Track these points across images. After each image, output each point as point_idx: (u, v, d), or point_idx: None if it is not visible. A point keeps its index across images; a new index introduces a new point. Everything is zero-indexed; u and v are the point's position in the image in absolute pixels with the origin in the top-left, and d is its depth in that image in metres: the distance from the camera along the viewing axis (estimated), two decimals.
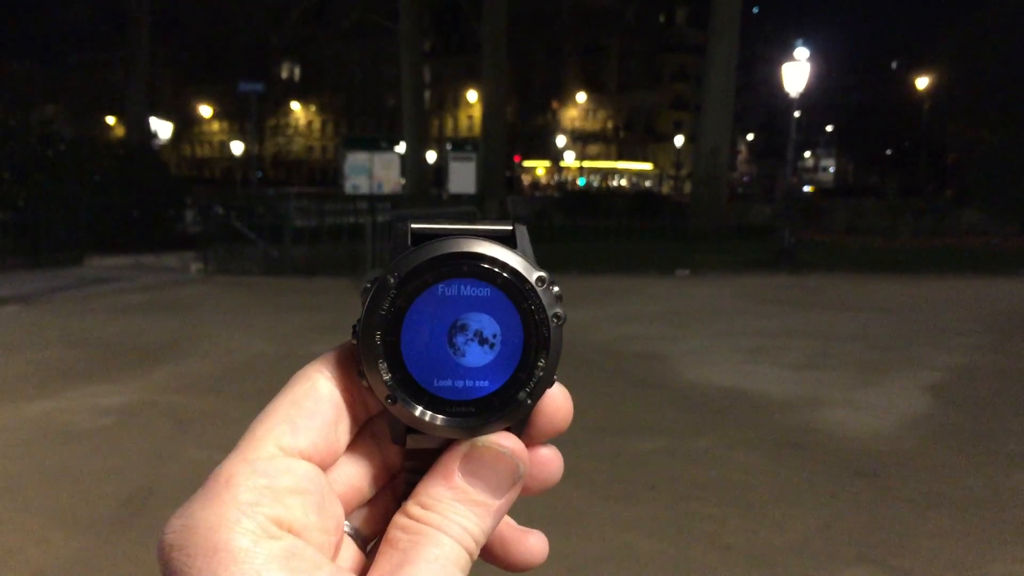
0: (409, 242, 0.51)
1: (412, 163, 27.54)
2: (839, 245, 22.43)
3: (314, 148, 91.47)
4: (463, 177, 25.83)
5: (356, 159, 26.58)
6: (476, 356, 0.50)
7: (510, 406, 0.50)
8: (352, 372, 0.51)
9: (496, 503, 0.49)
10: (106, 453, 5.71)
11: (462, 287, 0.50)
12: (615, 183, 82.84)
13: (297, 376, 0.51)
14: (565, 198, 41.26)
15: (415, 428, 0.50)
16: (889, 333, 10.38)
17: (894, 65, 74.45)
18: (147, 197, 19.78)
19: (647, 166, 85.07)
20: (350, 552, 0.52)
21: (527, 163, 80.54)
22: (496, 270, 0.50)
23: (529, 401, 0.50)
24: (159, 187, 20.83)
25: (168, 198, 21.28)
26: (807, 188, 66.18)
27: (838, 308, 11.99)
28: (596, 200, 35.36)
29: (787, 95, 20.52)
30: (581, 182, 76.85)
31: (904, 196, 34.86)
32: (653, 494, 4.95)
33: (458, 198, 24.65)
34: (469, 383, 0.50)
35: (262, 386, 7.56)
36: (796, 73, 20.28)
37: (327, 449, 0.49)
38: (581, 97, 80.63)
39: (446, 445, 0.51)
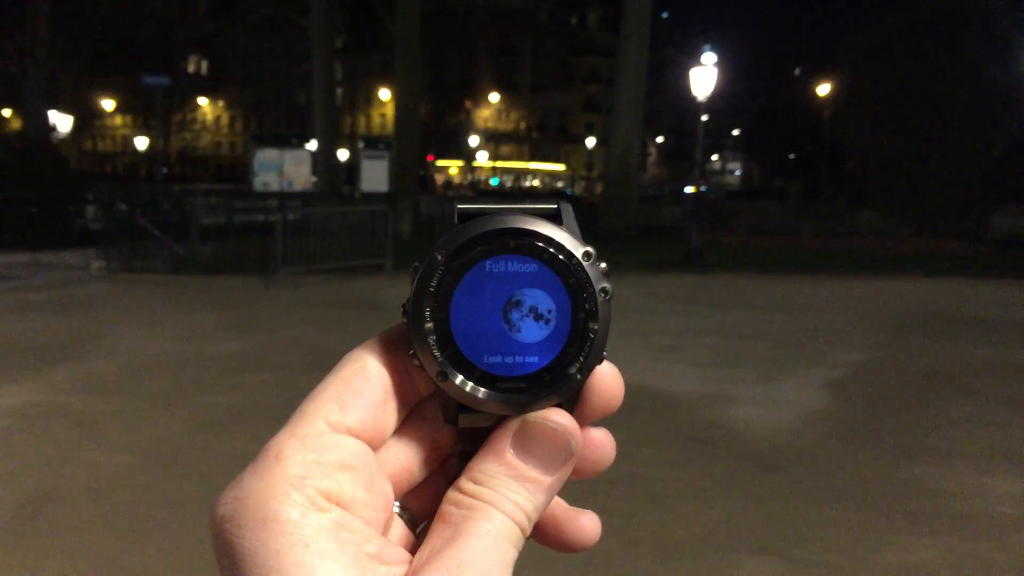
0: (456, 221, 0.51)
1: (324, 161, 27.17)
2: (745, 246, 23.01)
3: (222, 144, 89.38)
4: (376, 175, 25.64)
5: (266, 156, 26.13)
6: (532, 332, 0.50)
7: (561, 381, 0.50)
8: (401, 353, 0.51)
9: (548, 479, 0.49)
10: (1, 456, 5.50)
11: (509, 263, 0.50)
12: (528, 183, 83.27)
13: (347, 357, 0.51)
14: (478, 198, 41.36)
15: (466, 405, 0.50)
16: (791, 332, 10.71)
17: (797, 71, 76.58)
18: (46, 192, 19.06)
19: (559, 167, 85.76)
20: (400, 532, 0.52)
21: (440, 162, 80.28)
22: (542, 245, 0.50)
23: (579, 376, 0.50)
24: (59, 182, 20.10)
25: (68, 193, 20.53)
26: (688, 189, 67.67)
27: (744, 308, 12.31)
28: (508, 200, 35.54)
29: (695, 99, 20.95)
30: (494, 182, 77.04)
31: (806, 199, 35.97)
32: (563, 490, 5.00)
33: (371, 197, 24.42)
34: (519, 359, 0.50)
35: (167, 386, 7.38)
36: (703, 78, 20.72)
37: (375, 428, 0.50)
38: (494, 97, 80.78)
39: (497, 425, 0.51)
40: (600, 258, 0.51)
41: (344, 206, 19.30)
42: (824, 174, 51.82)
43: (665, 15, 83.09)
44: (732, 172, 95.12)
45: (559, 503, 0.53)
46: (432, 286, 0.50)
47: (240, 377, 7.77)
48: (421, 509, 0.54)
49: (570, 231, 0.51)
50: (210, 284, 13.80)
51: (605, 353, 0.51)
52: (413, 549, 0.49)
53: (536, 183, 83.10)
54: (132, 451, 5.69)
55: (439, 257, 0.50)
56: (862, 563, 4.24)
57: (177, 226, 16.04)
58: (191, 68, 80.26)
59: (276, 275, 13.87)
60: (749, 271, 17.19)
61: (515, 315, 0.50)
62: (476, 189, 62.93)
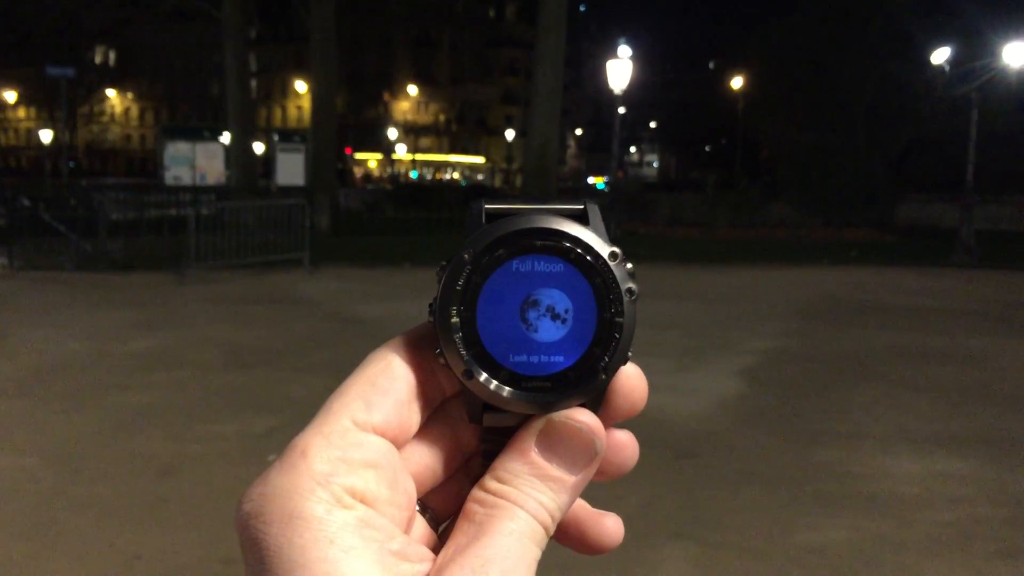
0: (483, 221, 0.51)
1: (238, 154, 26.62)
2: (662, 237, 23.38)
3: (132, 137, 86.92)
4: (292, 169, 25.20)
5: (177, 149, 25.47)
6: (548, 331, 0.50)
7: (586, 381, 0.50)
8: (426, 352, 0.51)
9: (572, 479, 0.49)
10: None
11: (535, 263, 0.50)
12: (448, 176, 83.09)
13: (372, 355, 0.51)
14: (398, 191, 41.07)
15: (491, 404, 0.50)
16: (706, 320, 10.93)
17: (712, 65, 78.05)
18: None
19: (479, 159, 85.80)
20: (422, 530, 0.52)
21: (359, 155, 79.57)
22: (569, 245, 0.50)
23: (604, 376, 0.50)
24: None
25: None
26: (591, 180, 68.43)
27: (660, 297, 12.50)
28: (429, 193, 35.38)
29: (612, 92, 21.16)
30: (413, 175, 76.62)
31: (721, 190, 36.72)
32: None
33: (287, 191, 24.05)
34: (544, 358, 0.50)
35: (76, 386, 7.15)
36: (619, 70, 20.96)
37: (400, 426, 0.50)
38: (413, 90, 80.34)
39: (522, 424, 0.51)
40: (626, 258, 0.51)
41: (260, 200, 18.96)
42: (738, 166, 52.96)
43: (583, 8, 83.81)
44: (650, 164, 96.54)
45: (582, 505, 0.54)
46: (459, 285, 0.50)
47: (152, 376, 7.57)
48: (443, 508, 0.54)
49: (596, 231, 0.51)
50: (120, 281, 13.41)
51: (630, 354, 0.51)
52: (435, 548, 0.49)
53: (456, 176, 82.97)
54: (38, 454, 5.50)
55: (466, 256, 0.50)
56: (774, 544, 4.35)
57: (84, 222, 15.57)
58: (98, 59, 77.74)
59: (189, 271, 13.56)
60: (666, 261, 17.46)
61: (532, 314, 0.50)
62: (395, 182, 62.44)
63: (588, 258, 0.50)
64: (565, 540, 0.53)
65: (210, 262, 13.94)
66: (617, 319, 0.50)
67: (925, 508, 4.88)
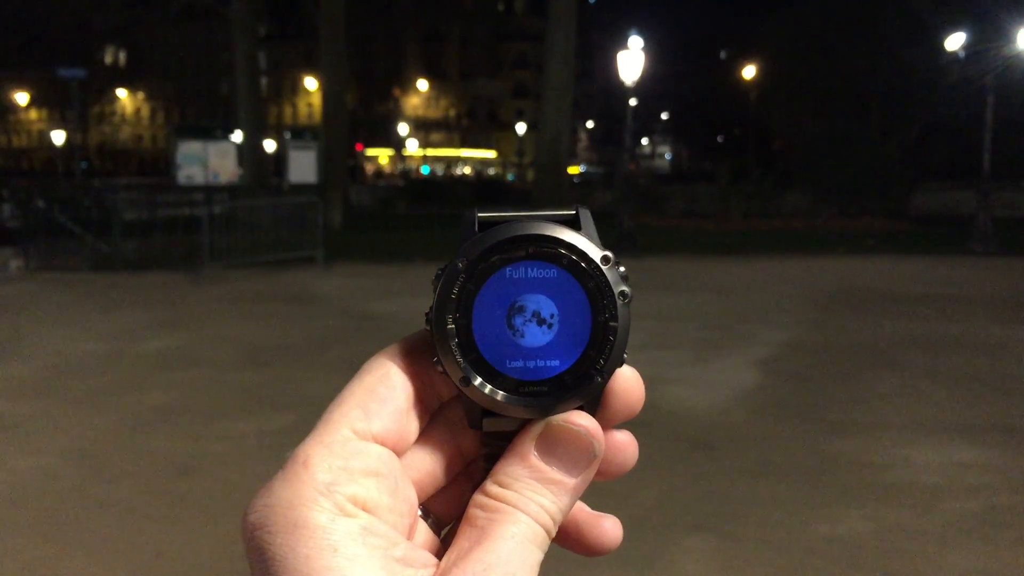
0: (476, 229, 0.52)
1: (250, 152, 26.70)
2: (675, 229, 23.31)
3: (143, 137, 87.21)
4: (304, 166, 25.24)
5: (189, 148, 25.55)
6: (535, 336, 0.51)
7: (582, 384, 0.51)
8: (422, 359, 0.52)
9: (572, 481, 0.50)
10: None
11: (528, 269, 0.51)
12: (459, 171, 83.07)
13: (369, 364, 0.52)
14: (409, 186, 41.12)
15: (489, 409, 0.51)
16: (722, 312, 10.89)
17: (723, 55, 77.68)
18: None
19: (491, 153, 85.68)
20: (425, 536, 0.53)
21: (370, 152, 79.57)
22: (561, 251, 0.51)
23: (600, 379, 0.51)
24: None
25: None
26: (580, 168, 68.28)
27: (675, 289, 12.47)
28: (441, 188, 35.41)
29: (623, 83, 21.09)
30: (425, 170, 76.63)
31: (735, 181, 36.59)
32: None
33: (299, 188, 24.11)
34: (540, 363, 0.51)
35: (94, 386, 7.19)
36: (631, 62, 20.85)
37: (399, 434, 0.50)
38: (423, 85, 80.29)
39: (521, 428, 0.51)
40: (619, 262, 0.52)
41: (272, 198, 19.00)
42: (751, 156, 52.73)
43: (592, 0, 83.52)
44: (662, 156, 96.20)
45: (581, 507, 0.54)
46: (454, 293, 0.51)
47: (169, 375, 7.60)
48: (446, 513, 0.55)
49: (588, 236, 0.52)
50: (135, 281, 13.47)
51: (626, 356, 0.52)
52: (438, 553, 0.50)
53: (468, 171, 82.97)
54: (58, 454, 5.54)
55: (460, 264, 0.51)
56: (794, 536, 4.33)
57: (98, 222, 15.63)
58: (108, 59, 78.13)
59: (203, 270, 13.61)
60: (680, 253, 17.42)
61: (518, 320, 0.51)
62: (407, 178, 62.50)
63: (581, 263, 0.51)
64: (565, 542, 0.54)
65: (224, 261, 13.99)
66: (611, 322, 0.51)
67: (945, 497, 4.85)
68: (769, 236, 20.94)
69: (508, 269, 0.51)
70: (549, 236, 0.51)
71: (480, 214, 0.53)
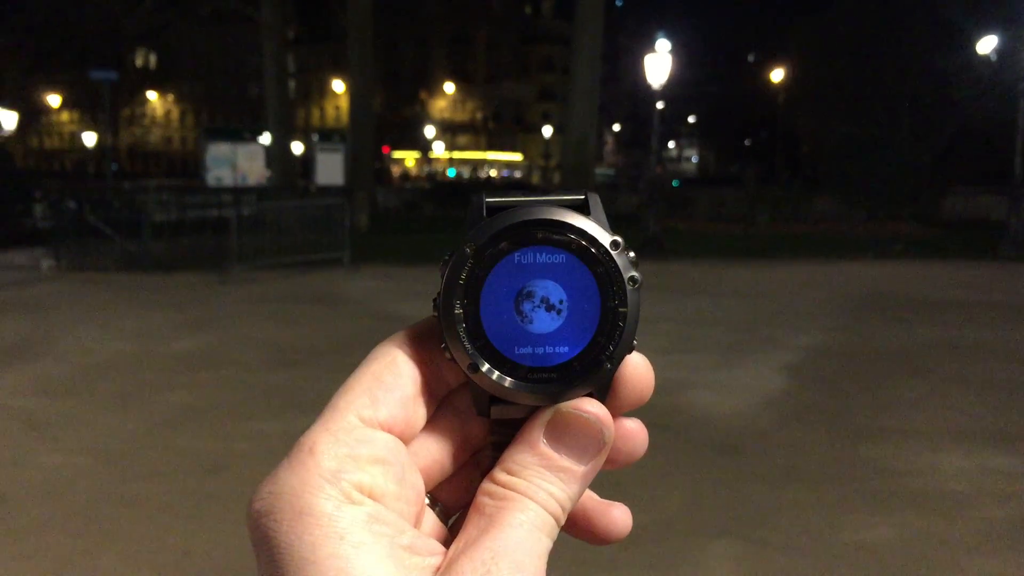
0: (484, 214, 0.51)
1: (278, 154, 26.87)
2: (702, 233, 23.19)
3: (173, 139, 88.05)
4: (331, 168, 25.33)
5: (218, 150, 25.68)
6: (543, 323, 0.50)
7: (591, 371, 0.50)
8: (430, 347, 0.52)
9: (581, 469, 0.50)
10: None
11: (537, 254, 0.50)
12: (485, 174, 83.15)
13: (376, 351, 0.52)
14: (435, 189, 41.21)
15: (498, 396, 0.50)
16: (749, 316, 10.83)
17: (751, 58, 77.26)
18: None
19: (517, 156, 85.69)
20: (432, 524, 0.53)
21: (396, 154, 79.89)
22: (570, 236, 0.50)
23: (609, 365, 0.50)
24: (4, 180, 19.73)
25: (15, 192, 20.16)
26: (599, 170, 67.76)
27: (702, 293, 12.42)
28: (467, 190, 35.42)
29: (650, 86, 21.04)
30: (451, 173, 76.78)
31: (762, 185, 36.36)
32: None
33: (326, 190, 24.24)
34: (549, 349, 0.50)
35: (122, 387, 7.27)
36: (658, 65, 20.81)
37: (406, 422, 0.50)
38: (449, 88, 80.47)
39: (530, 415, 0.51)
40: (628, 247, 0.51)
41: (300, 200, 19.13)
42: (779, 160, 52.40)
43: (619, 2, 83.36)
44: (689, 159, 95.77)
45: (590, 496, 0.54)
46: (461, 279, 0.50)
47: (196, 375, 7.67)
48: (453, 501, 0.55)
49: (597, 221, 0.51)
50: (163, 282, 13.60)
51: (635, 342, 0.51)
52: (445, 541, 0.49)
53: (494, 173, 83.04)
54: (87, 452, 5.60)
55: (468, 250, 0.50)
56: (821, 542, 4.30)
57: (128, 223, 15.79)
58: (139, 62, 78.94)
59: (231, 271, 13.71)
60: (707, 257, 17.33)
61: (527, 306, 0.50)
62: (433, 180, 62.65)
63: (590, 248, 0.50)
64: (574, 531, 0.54)
65: (252, 262, 14.09)
66: (620, 308, 0.51)
67: (974, 505, 4.79)
68: (796, 240, 20.79)
69: (516, 254, 0.50)
70: (558, 221, 0.50)
71: (488, 199, 0.52)
